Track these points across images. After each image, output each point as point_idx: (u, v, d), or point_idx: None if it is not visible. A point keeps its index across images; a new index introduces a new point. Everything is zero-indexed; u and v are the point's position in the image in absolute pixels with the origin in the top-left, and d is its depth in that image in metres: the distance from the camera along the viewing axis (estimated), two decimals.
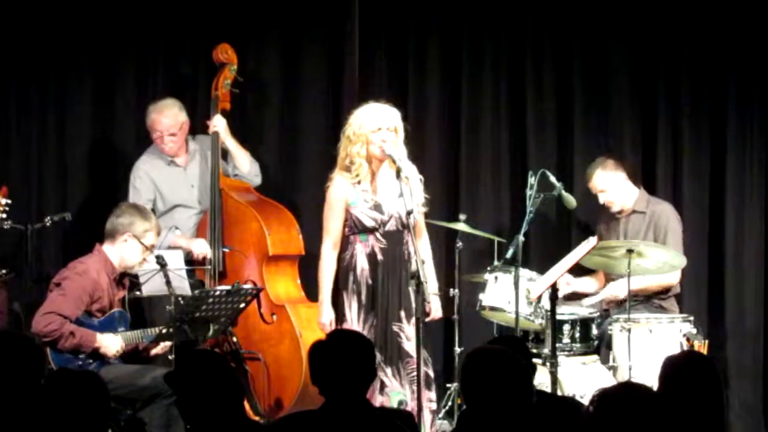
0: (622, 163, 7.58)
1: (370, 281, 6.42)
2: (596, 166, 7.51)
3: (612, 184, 7.49)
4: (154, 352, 6.67)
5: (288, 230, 7.24)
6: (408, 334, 6.39)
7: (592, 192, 7.54)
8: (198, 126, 7.58)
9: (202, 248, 7.23)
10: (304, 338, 6.91)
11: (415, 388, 6.29)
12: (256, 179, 7.52)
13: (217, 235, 7.25)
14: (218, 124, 7.36)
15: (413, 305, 6.38)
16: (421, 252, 6.30)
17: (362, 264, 6.43)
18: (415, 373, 6.30)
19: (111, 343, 6.48)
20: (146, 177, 7.38)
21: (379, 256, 6.43)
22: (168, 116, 7.37)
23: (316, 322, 6.59)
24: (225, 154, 7.48)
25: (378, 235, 6.44)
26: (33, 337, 5.92)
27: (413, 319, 6.38)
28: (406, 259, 6.44)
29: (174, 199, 7.40)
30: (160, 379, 5.42)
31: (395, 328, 6.39)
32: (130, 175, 7.43)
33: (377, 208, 6.44)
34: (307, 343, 6.60)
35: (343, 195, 6.45)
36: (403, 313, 6.40)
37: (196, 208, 7.42)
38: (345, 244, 6.49)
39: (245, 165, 7.45)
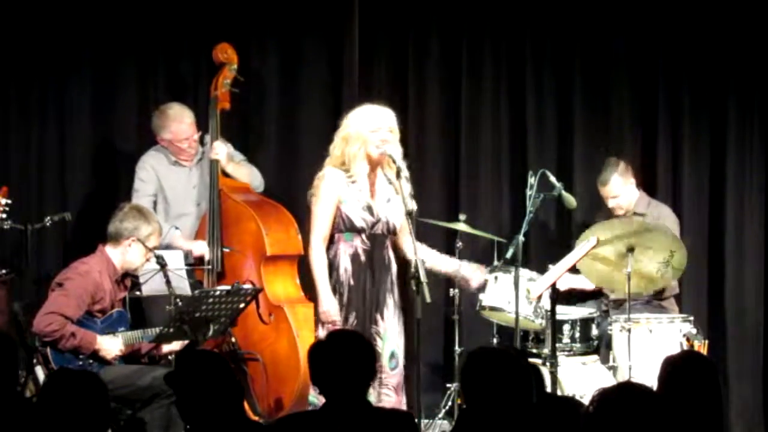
0: (631, 166, 7.56)
1: (352, 281, 6.36)
2: (612, 170, 7.44)
3: (625, 190, 7.46)
4: (166, 350, 6.66)
5: (286, 230, 7.21)
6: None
7: (602, 195, 7.50)
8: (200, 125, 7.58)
9: (201, 249, 7.24)
10: (302, 338, 6.86)
11: (383, 390, 6.27)
12: (261, 187, 7.50)
13: (216, 236, 7.24)
14: (220, 152, 7.29)
15: (393, 308, 6.35)
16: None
17: (345, 264, 6.35)
18: (383, 376, 6.27)
19: (110, 347, 6.47)
20: (152, 171, 7.37)
21: (362, 258, 6.36)
22: (187, 123, 7.37)
23: (314, 321, 6.56)
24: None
25: (364, 236, 6.36)
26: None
27: (392, 319, 6.36)
28: (386, 263, 6.39)
29: (175, 199, 7.39)
30: (160, 379, 5.41)
31: (372, 332, 6.35)
32: (136, 167, 7.41)
33: (369, 209, 6.38)
34: (305, 342, 6.62)
35: (337, 190, 6.35)
36: (379, 316, 6.37)
37: (195, 210, 7.42)
38: (329, 242, 6.40)
39: (250, 182, 7.42)
